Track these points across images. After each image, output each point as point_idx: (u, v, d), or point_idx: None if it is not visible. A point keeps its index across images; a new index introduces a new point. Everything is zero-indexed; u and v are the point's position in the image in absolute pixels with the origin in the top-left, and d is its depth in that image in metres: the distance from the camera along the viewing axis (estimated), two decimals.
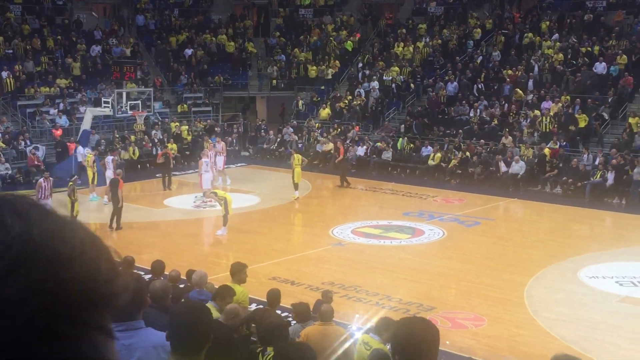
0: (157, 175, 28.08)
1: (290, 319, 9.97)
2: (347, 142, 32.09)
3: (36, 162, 28.86)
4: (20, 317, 0.78)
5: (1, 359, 0.78)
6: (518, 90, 31.94)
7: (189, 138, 33.69)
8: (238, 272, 10.02)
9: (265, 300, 9.96)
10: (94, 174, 24.85)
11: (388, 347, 7.74)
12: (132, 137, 32.03)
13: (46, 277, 0.81)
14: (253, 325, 9.48)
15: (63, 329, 0.81)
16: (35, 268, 0.81)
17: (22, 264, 0.80)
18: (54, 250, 0.82)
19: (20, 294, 0.79)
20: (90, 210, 23.11)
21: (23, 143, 29.95)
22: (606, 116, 29.36)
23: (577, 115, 29.10)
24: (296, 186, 24.94)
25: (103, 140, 30.96)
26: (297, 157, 25.28)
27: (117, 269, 0.88)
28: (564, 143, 28.06)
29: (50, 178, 21.34)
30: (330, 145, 31.97)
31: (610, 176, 24.91)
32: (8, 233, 0.82)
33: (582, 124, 28.87)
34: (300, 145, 32.43)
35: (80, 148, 28.68)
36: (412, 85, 35.92)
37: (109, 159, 25.33)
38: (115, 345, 0.89)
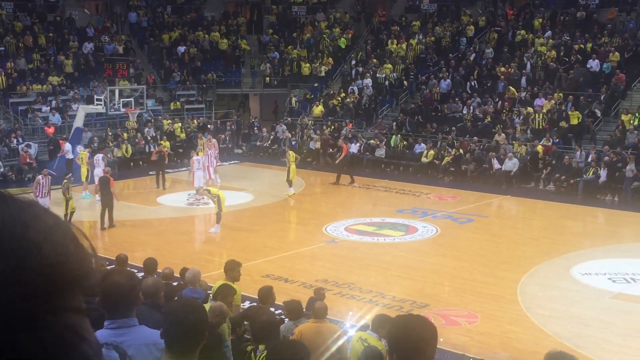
0: (151, 172, 28.02)
1: (282, 316, 9.95)
2: (341, 139, 32.05)
3: (28, 160, 28.75)
4: None
5: None
6: (511, 88, 31.98)
7: (182, 136, 33.62)
8: (231, 269, 10.01)
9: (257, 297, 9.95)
10: (88, 171, 24.77)
11: (384, 343, 7.75)
12: (125, 135, 31.95)
13: (15, 265, 0.79)
14: (246, 322, 9.47)
15: (38, 314, 0.80)
16: (3, 258, 0.79)
17: None
18: (20, 237, 0.81)
19: None
20: (83, 208, 23.01)
21: (15, 141, 29.84)
22: (598, 113, 29.43)
23: (569, 113, 29.16)
24: (290, 183, 24.93)
25: (96, 138, 30.87)
26: (291, 154, 25.27)
27: (84, 248, 0.87)
28: (557, 140, 28.13)
29: (49, 176, 21.28)
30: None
31: (603, 173, 24.97)
32: None
33: (574, 121, 28.93)
34: (293, 143, 32.41)
35: (67, 145, 28.58)
36: (405, 82, 35.93)
37: (98, 156, 25.22)
38: (88, 323, 0.89)
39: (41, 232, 0.83)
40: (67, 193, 20.65)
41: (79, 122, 30.04)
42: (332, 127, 33.52)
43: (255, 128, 35.95)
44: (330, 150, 30.84)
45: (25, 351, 0.78)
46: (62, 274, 0.82)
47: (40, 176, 21.14)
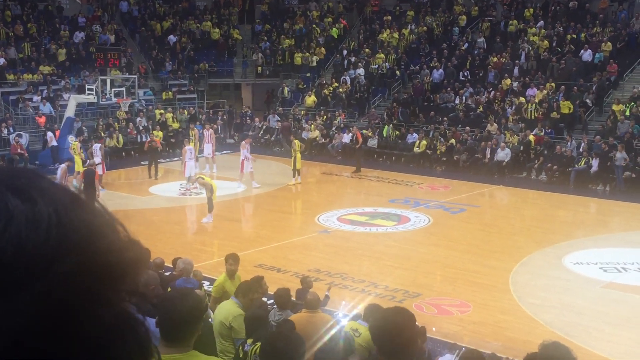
0: (143, 162, 27.95)
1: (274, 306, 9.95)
2: (333, 129, 32.06)
3: (19, 150, 28.62)
4: (72, 290, 0.80)
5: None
6: (506, 79, 31.95)
7: (175, 125, 33.51)
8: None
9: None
10: (82, 161, 24.70)
11: None
12: (116, 125, 31.84)
13: (88, 249, 0.83)
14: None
15: (106, 295, 0.83)
16: (80, 242, 0.82)
17: (67, 240, 0.81)
18: (88, 223, 0.85)
19: (72, 269, 0.80)
20: None
21: (6, 130, 29.69)
22: (590, 103, 29.49)
23: (561, 103, 29.21)
24: (296, 172, 24.90)
25: (85, 128, 30.73)
26: (297, 143, 25.22)
27: (132, 237, 0.91)
28: (549, 130, 28.18)
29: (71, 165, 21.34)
30: (317, 133, 31.93)
31: (595, 163, 25.04)
32: (44, 208, 0.82)
33: (565, 111, 28.97)
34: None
35: (49, 133, 28.60)
36: (397, 72, 35.89)
37: (96, 146, 25.11)
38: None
39: (104, 221, 0.88)
40: (63, 181, 20.59)
41: (70, 111, 29.88)
42: (325, 117, 33.49)
43: (248, 118, 35.87)
44: (291, 137, 30.50)
45: (88, 331, 0.81)
46: (124, 259, 0.86)
47: (64, 165, 21.11)
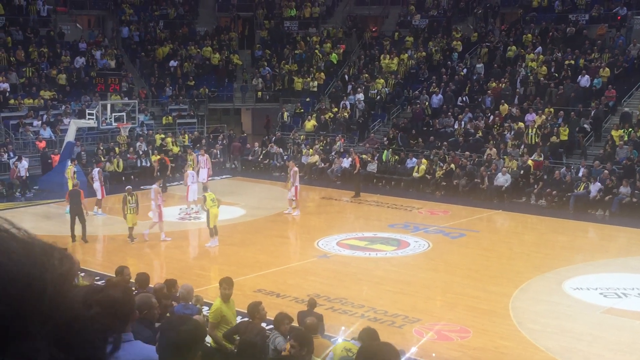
0: (143, 187, 27.90)
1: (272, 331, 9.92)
2: (333, 154, 32.13)
3: (18, 175, 28.58)
4: None
5: None
6: (504, 104, 32.07)
7: (175, 149, 33.59)
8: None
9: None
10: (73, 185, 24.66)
11: None
12: (117, 149, 31.91)
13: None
14: (237, 337, 9.45)
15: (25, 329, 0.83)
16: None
17: None
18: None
19: None
20: (67, 222, 22.85)
21: (6, 155, 29.74)
22: (588, 128, 29.58)
23: (560, 128, 29.31)
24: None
25: (83, 153, 30.80)
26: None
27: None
28: (549, 155, 28.24)
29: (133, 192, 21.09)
30: (316, 157, 32.00)
31: (594, 188, 25.06)
32: None
33: (563, 137, 29.06)
34: (285, 158, 32.41)
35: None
36: (396, 98, 36.06)
37: (95, 171, 25.12)
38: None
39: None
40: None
41: (70, 136, 29.98)
42: (325, 141, 33.58)
43: (241, 141, 35.94)
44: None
45: None
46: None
47: (155, 185, 21.20)
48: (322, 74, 39.39)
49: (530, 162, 27.66)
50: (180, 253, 20.37)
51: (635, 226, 22.53)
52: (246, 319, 10.05)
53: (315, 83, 38.97)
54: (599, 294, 16.16)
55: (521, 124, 30.40)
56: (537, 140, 29.33)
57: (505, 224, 24.98)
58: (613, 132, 28.33)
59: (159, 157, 29.25)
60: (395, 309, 14.93)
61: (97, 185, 24.04)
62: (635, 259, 19.07)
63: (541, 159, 27.91)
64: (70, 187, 24.43)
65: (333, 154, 32.15)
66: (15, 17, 39.17)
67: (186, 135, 35.00)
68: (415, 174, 29.22)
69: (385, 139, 32.98)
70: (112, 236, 21.19)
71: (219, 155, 33.98)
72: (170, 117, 36.83)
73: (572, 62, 33.41)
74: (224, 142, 35.80)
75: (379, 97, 36.51)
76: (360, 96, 36.37)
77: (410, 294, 16.14)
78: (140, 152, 32.19)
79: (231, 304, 10.31)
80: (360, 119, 35.40)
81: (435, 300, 15.97)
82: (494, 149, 29.17)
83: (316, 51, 40.96)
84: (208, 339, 9.68)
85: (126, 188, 21.16)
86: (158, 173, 28.40)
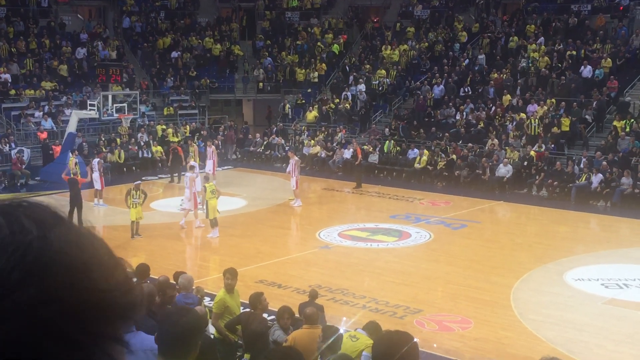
0: (144, 178, 27.87)
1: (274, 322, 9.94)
2: (334, 145, 32.09)
3: (20, 165, 28.64)
4: (32, 323, 0.78)
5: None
6: (507, 95, 32.01)
7: (176, 140, 33.55)
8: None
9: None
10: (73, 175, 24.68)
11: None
12: (118, 140, 31.90)
13: (61, 284, 0.80)
14: (239, 327, 9.46)
15: (76, 337, 0.80)
16: (51, 275, 0.80)
17: (37, 270, 0.80)
18: (72, 258, 0.82)
19: (33, 301, 0.78)
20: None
21: (7, 146, 29.74)
22: (590, 119, 29.52)
23: (562, 119, 29.25)
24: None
25: (85, 144, 30.78)
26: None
27: (132, 281, 0.88)
28: (552, 146, 28.19)
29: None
30: (317, 148, 31.96)
31: (595, 179, 25.03)
32: (25, 236, 0.81)
33: (564, 128, 29.00)
34: (287, 149, 32.36)
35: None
36: (398, 89, 35.98)
37: (95, 161, 25.14)
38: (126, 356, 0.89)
39: (94, 258, 0.84)
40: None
41: (72, 127, 29.96)
42: (326, 132, 33.53)
43: (241, 133, 35.86)
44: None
45: None
46: (106, 302, 0.83)
47: (190, 173, 21.47)
48: (324, 64, 39.30)
49: (532, 152, 27.61)
50: (181, 244, 20.39)
51: (636, 217, 22.51)
52: (248, 310, 10.06)
53: (317, 74, 38.89)
54: (600, 284, 16.17)
55: (523, 115, 30.34)
56: (538, 131, 29.27)
57: (506, 215, 24.97)
58: (615, 123, 28.25)
59: (171, 146, 29.16)
60: (396, 299, 14.94)
61: (96, 175, 23.97)
62: (637, 249, 19.06)
63: (543, 149, 27.85)
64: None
65: (334, 144, 32.10)
66: (16, 7, 39.08)
67: (187, 126, 34.96)
68: (416, 165, 29.19)
69: (386, 129, 32.94)
70: (114, 227, 21.17)
71: (220, 147, 33.93)
72: (171, 108, 36.79)
73: (574, 52, 33.31)
74: (225, 133, 35.77)
75: (380, 88, 36.43)
76: (362, 87, 36.29)
77: (411, 284, 16.15)
78: (142, 143, 32.16)
79: (235, 294, 10.27)
80: (361, 110, 35.32)
81: (437, 291, 15.98)
82: (496, 140, 29.13)
83: (318, 42, 40.86)
84: (212, 329, 9.69)
85: (135, 183, 21.10)
86: (169, 164, 28.44)
